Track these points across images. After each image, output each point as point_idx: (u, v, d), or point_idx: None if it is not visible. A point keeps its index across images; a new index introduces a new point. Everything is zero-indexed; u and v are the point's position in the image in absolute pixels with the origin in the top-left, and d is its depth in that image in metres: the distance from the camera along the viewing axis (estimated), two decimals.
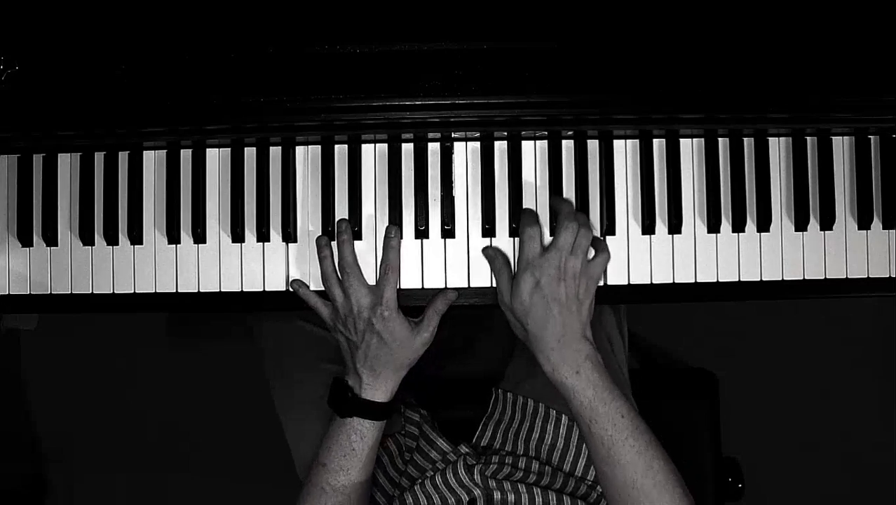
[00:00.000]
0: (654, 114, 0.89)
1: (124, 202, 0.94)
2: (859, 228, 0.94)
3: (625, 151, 0.94)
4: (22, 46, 0.87)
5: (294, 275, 0.93)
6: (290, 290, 0.92)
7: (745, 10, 0.86)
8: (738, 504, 1.25)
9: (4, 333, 1.75)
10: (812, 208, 0.93)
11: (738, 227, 0.93)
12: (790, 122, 0.92)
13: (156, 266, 0.94)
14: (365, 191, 0.93)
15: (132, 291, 0.94)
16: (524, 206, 0.92)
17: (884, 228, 0.94)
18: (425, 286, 0.93)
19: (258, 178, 0.93)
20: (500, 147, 0.93)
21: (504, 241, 0.93)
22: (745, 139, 0.94)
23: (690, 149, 0.94)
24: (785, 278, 0.93)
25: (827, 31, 0.86)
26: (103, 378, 1.76)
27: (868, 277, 0.93)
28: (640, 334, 1.69)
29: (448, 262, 0.93)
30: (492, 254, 0.91)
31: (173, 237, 0.94)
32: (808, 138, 0.94)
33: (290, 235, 0.93)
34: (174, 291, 0.94)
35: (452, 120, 0.88)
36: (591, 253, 0.88)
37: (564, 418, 1.01)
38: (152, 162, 0.95)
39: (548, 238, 0.90)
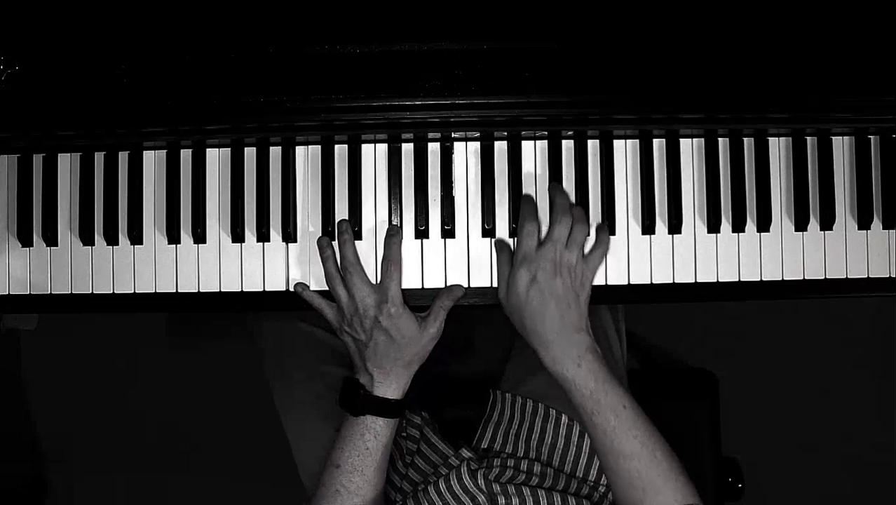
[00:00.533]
0: (654, 114, 0.89)
1: (124, 202, 0.94)
2: (859, 228, 0.94)
3: (625, 151, 0.94)
4: (22, 46, 0.87)
5: (294, 274, 0.93)
6: (292, 291, 0.92)
7: (745, 10, 0.86)
8: (738, 504, 1.25)
9: (4, 333, 1.74)
10: (812, 208, 0.93)
11: (738, 227, 0.93)
12: (790, 122, 0.92)
13: (156, 266, 0.94)
14: (365, 191, 0.93)
15: (132, 291, 0.94)
16: (523, 193, 0.92)
17: (884, 228, 0.94)
18: (425, 286, 0.93)
19: (258, 178, 0.93)
20: (500, 147, 0.93)
21: (504, 241, 0.93)
22: (745, 139, 0.94)
23: (690, 149, 0.94)
24: (785, 278, 0.93)
25: (827, 31, 0.86)
26: (103, 378, 1.76)
27: (868, 277, 0.93)
28: (639, 334, 1.69)
29: (448, 262, 0.93)
30: (500, 246, 0.91)
31: (173, 237, 0.94)
32: (808, 138, 0.94)
33: (290, 235, 0.93)
34: (174, 291, 0.94)
35: (452, 120, 0.88)
36: (591, 244, 0.88)
37: (564, 418, 1.01)
38: (152, 162, 0.95)
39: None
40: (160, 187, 0.95)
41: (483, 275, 0.93)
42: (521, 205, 0.90)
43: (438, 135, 0.93)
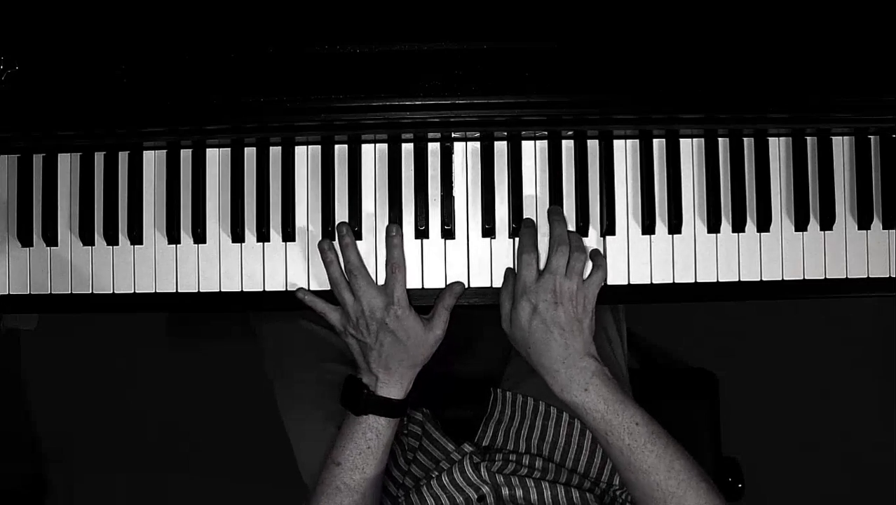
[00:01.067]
0: (654, 114, 0.89)
1: (124, 202, 0.94)
2: (859, 228, 0.94)
3: (625, 151, 0.94)
4: (22, 46, 0.87)
5: (294, 274, 0.93)
6: (293, 293, 0.92)
7: (745, 10, 0.86)
8: (738, 504, 1.25)
9: (4, 333, 1.74)
10: (812, 208, 0.93)
11: (738, 227, 0.93)
12: (790, 122, 0.92)
13: (156, 266, 0.94)
14: (365, 191, 0.93)
15: (132, 291, 0.94)
16: (524, 217, 0.92)
17: (884, 228, 0.94)
18: (425, 286, 0.93)
19: (258, 178, 0.93)
20: (500, 147, 0.93)
21: (504, 241, 0.93)
22: (745, 139, 0.94)
23: (690, 149, 0.94)
24: (785, 278, 0.93)
25: (827, 31, 0.86)
26: (103, 378, 1.76)
27: (868, 277, 0.93)
28: (640, 334, 1.69)
29: (448, 262, 0.93)
30: (506, 276, 0.91)
31: (173, 237, 0.94)
32: (808, 138, 0.94)
33: (290, 235, 0.93)
34: (174, 291, 0.94)
35: (452, 120, 0.88)
36: (589, 269, 0.89)
37: (565, 416, 1.01)
38: (152, 162, 0.95)
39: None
40: (160, 187, 0.94)
41: (483, 275, 0.93)
42: (519, 232, 0.91)
43: (438, 135, 0.93)
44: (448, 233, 0.93)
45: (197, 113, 0.87)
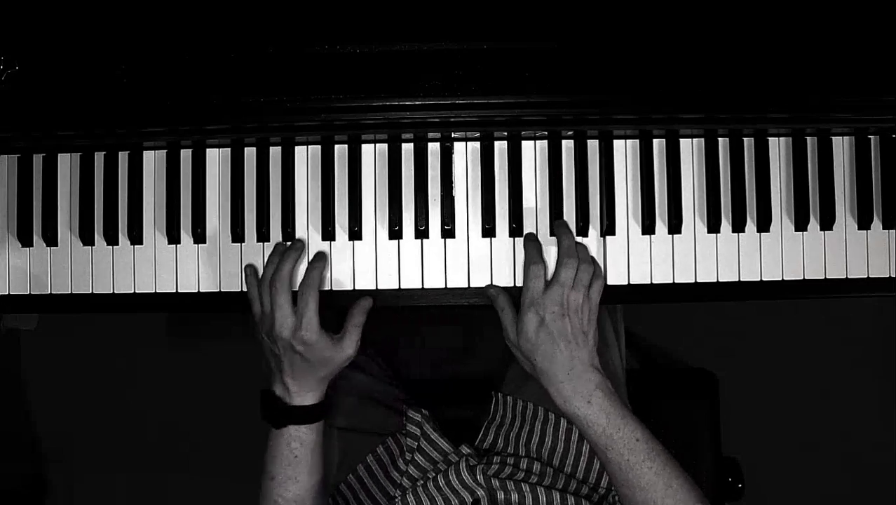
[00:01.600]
0: (654, 114, 0.89)
1: (124, 202, 0.94)
2: (859, 228, 0.94)
3: (625, 151, 0.94)
4: (22, 46, 0.87)
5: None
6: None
7: (745, 10, 0.86)
8: (738, 504, 1.25)
9: (4, 333, 1.75)
10: (812, 208, 0.93)
11: (738, 227, 0.93)
12: (790, 122, 0.92)
13: (156, 266, 0.94)
14: (365, 191, 0.93)
15: (132, 291, 0.94)
16: (524, 219, 0.92)
17: (884, 228, 0.94)
18: (425, 286, 0.93)
19: (258, 178, 0.93)
20: (500, 147, 0.93)
21: (504, 241, 0.93)
22: (745, 139, 0.94)
23: (690, 149, 0.94)
24: (785, 278, 0.93)
25: (827, 30, 0.86)
26: (103, 378, 1.76)
27: (868, 277, 0.93)
28: (639, 334, 1.69)
29: (448, 262, 0.93)
30: (493, 293, 0.91)
31: (173, 237, 0.94)
32: (808, 138, 0.94)
33: (290, 235, 0.93)
34: (174, 291, 0.94)
35: (452, 120, 0.88)
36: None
37: (563, 422, 1.01)
38: (152, 162, 0.95)
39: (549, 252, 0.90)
40: (160, 187, 0.94)
41: (483, 275, 0.93)
42: (525, 245, 0.90)
43: (438, 135, 0.93)
44: (448, 233, 0.93)
45: (197, 113, 0.87)
